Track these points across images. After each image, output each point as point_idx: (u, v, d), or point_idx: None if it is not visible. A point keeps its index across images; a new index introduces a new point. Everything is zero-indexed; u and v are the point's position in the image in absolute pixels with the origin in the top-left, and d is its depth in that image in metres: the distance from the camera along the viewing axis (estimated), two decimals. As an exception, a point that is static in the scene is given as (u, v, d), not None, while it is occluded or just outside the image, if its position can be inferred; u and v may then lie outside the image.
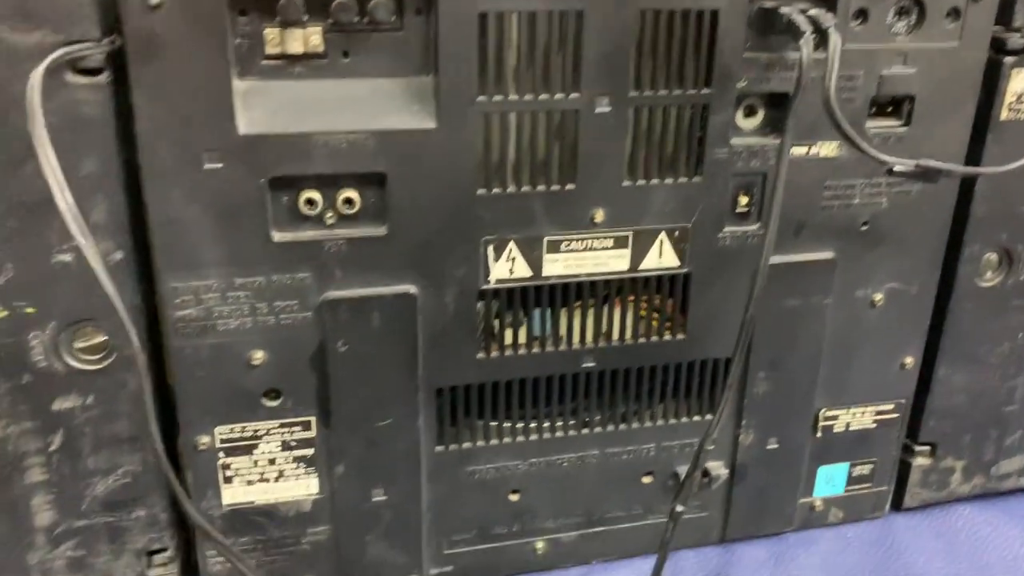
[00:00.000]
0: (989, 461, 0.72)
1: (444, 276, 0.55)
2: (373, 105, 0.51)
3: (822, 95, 0.51)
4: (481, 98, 0.52)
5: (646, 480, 0.65)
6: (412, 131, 0.51)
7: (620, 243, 0.58)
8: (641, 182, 0.56)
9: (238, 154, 0.50)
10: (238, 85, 0.50)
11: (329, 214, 0.53)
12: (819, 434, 0.67)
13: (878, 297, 0.64)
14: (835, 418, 0.67)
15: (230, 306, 0.53)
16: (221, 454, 0.56)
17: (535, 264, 0.57)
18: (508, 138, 0.53)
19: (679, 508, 0.59)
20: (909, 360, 0.67)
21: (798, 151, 0.58)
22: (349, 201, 0.52)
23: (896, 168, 0.54)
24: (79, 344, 0.51)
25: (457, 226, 0.54)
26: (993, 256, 0.65)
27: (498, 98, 0.52)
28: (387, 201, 0.53)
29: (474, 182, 0.53)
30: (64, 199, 0.41)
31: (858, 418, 0.68)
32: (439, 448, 0.60)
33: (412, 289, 0.55)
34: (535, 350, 0.59)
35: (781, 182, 0.53)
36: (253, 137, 0.49)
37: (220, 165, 0.50)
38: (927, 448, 0.71)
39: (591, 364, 0.61)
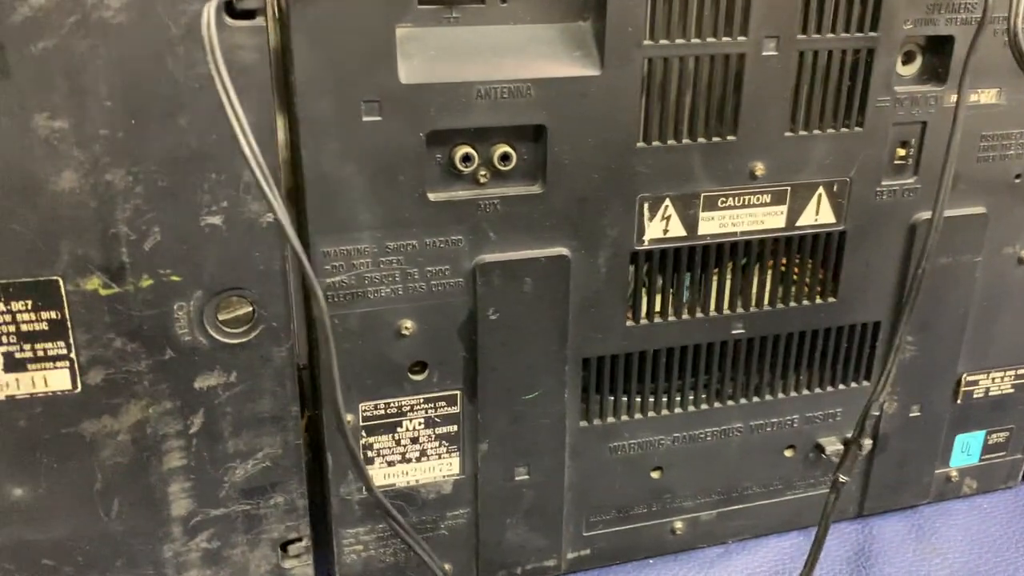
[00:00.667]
0: (1125, 425, 0.70)
1: (598, 237, 0.52)
2: (533, 52, 0.48)
3: (1010, 35, 0.48)
4: (647, 42, 0.48)
5: (788, 454, 0.62)
6: (575, 79, 0.48)
7: (778, 198, 0.55)
8: (803, 132, 0.53)
9: (398, 106, 0.46)
10: (396, 32, 0.46)
11: (483, 171, 0.49)
12: (959, 400, 0.65)
13: (1026, 254, 0.61)
14: (976, 383, 0.65)
15: (382, 272, 0.49)
16: (363, 433, 0.53)
17: (690, 223, 0.54)
18: (671, 85, 0.50)
19: (843, 479, 0.56)
20: (1052, 321, 0.64)
21: (955, 99, 0.55)
22: (505, 156, 0.49)
23: (1079, 110, 0.51)
24: (223, 316, 0.48)
25: (614, 182, 0.51)
26: None
27: (664, 42, 0.49)
28: (544, 156, 0.49)
29: (634, 135, 0.50)
30: (248, 144, 0.37)
31: (997, 383, 0.65)
32: (583, 423, 0.57)
33: (565, 251, 0.52)
34: (685, 316, 0.56)
35: (959, 128, 0.51)
36: (414, 87, 0.46)
37: (379, 118, 0.46)
38: (1063, 413, 0.68)
39: (740, 331, 0.57)
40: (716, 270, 0.56)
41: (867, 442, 0.62)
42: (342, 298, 0.49)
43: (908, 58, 0.55)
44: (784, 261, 0.57)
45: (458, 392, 0.53)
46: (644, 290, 0.55)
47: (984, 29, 0.49)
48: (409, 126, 0.47)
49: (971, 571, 0.62)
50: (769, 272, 0.57)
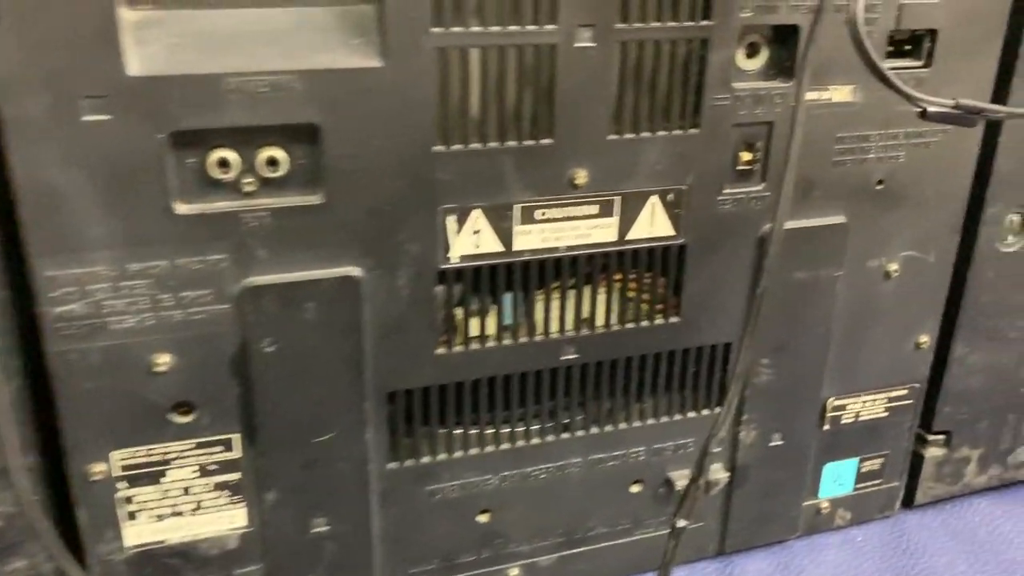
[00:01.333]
0: (1006, 449, 0.65)
1: (395, 254, 0.45)
2: (302, 39, 0.41)
3: (848, 23, 0.42)
4: (436, 29, 0.41)
5: (635, 489, 0.56)
6: (352, 71, 0.41)
7: (606, 209, 0.48)
8: (630, 135, 0.47)
9: (128, 102, 0.38)
10: (128, 15, 0.38)
11: (248, 179, 0.42)
12: (826, 427, 0.59)
13: (893, 267, 0.56)
14: (844, 408, 0.59)
15: (124, 299, 0.42)
16: (122, 484, 0.45)
17: (505, 236, 0.47)
18: (471, 80, 0.43)
19: (681, 523, 0.49)
20: (924, 339, 0.59)
21: (808, 96, 0.49)
22: (273, 161, 0.42)
23: (931, 110, 0.45)
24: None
25: (410, 191, 0.44)
26: (1016, 217, 0.58)
27: (458, 29, 0.42)
28: (322, 161, 0.42)
29: (430, 136, 0.43)
30: None
31: (868, 407, 0.60)
32: (392, 465, 0.50)
33: (356, 271, 0.44)
34: (506, 342, 0.49)
35: (799, 129, 0.45)
36: (147, 80, 0.38)
37: (105, 116, 0.38)
38: (941, 437, 0.63)
39: (573, 356, 0.51)
40: (541, 289, 0.49)
41: (722, 476, 0.56)
42: (77, 330, 0.41)
43: (752, 51, 0.49)
44: (619, 277, 0.51)
45: (235, 435, 0.46)
46: (458, 312, 0.48)
47: (823, 17, 0.43)
48: (143, 126, 0.39)
49: (836, 615, 0.57)
50: (603, 290, 0.51)
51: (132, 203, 0.40)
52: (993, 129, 0.54)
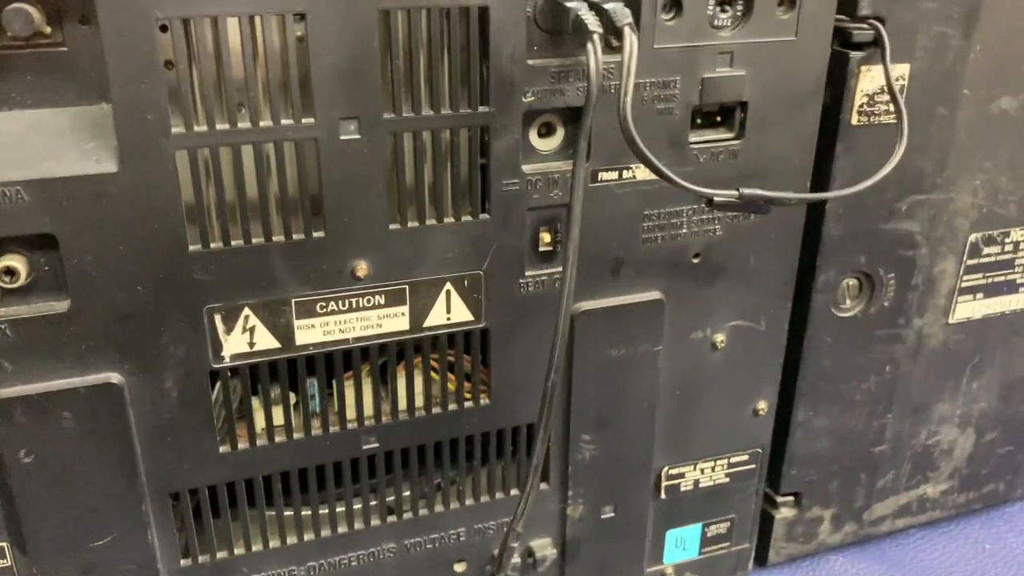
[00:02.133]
0: (860, 507, 0.64)
1: (158, 357, 0.43)
2: (30, 145, 0.39)
3: (618, 115, 0.40)
4: (177, 130, 0.39)
5: (459, 568, 0.55)
6: (84, 178, 0.39)
7: (394, 299, 0.46)
8: (413, 224, 0.45)
9: None
10: None
11: (-13, 289, 0.40)
12: (663, 495, 0.58)
13: (720, 338, 0.54)
14: (680, 476, 0.58)
15: None
16: None
17: (283, 333, 0.45)
18: (223, 179, 0.41)
19: (486, 617, 0.48)
20: (763, 405, 0.57)
21: (608, 176, 0.47)
22: (10, 272, 0.40)
23: (717, 199, 0.43)
24: None
25: (167, 294, 0.42)
26: (852, 281, 0.56)
27: (201, 128, 0.40)
28: (64, 269, 0.40)
29: (182, 238, 0.41)
30: None
31: (708, 473, 0.58)
32: (185, 562, 0.48)
33: (115, 377, 0.42)
34: (298, 435, 0.48)
35: (576, 219, 0.43)
36: None
37: None
38: (790, 498, 0.62)
39: (373, 445, 0.49)
40: (333, 379, 0.47)
41: (550, 552, 0.55)
42: None
43: (547, 130, 0.46)
44: (419, 363, 0.49)
45: (3, 544, 0.44)
46: (246, 407, 0.47)
47: (594, 103, 0.41)
48: None
49: None
50: (401, 379, 0.49)
51: None
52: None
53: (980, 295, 0.59)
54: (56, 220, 0.39)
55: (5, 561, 0.45)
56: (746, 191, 0.43)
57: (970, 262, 0.57)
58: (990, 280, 0.59)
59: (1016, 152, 0.55)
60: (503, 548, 0.47)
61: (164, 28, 0.38)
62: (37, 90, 0.39)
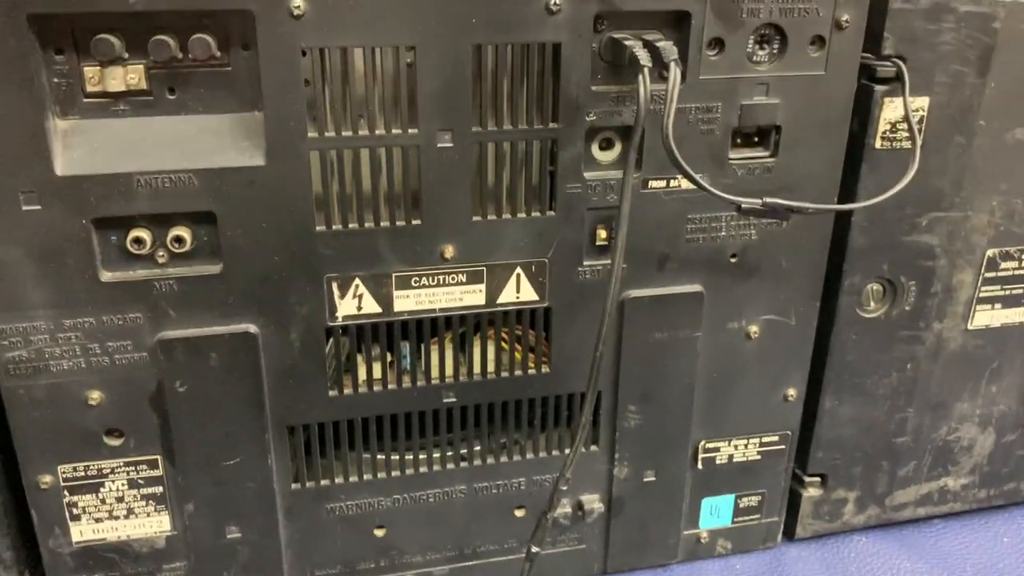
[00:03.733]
0: (883, 492, 0.70)
1: (286, 314, 0.54)
2: (199, 143, 0.50)
3: (661, 134, 0.49)
4: (311, 134, 0.50)
5: (519, 513, 0.64)
6: (239, 169, 0.50)
7: (474, 278, 0.56)
8: (492, 217, 0.55)
9: (57, 195, 0.48)
10: (60, 124, 0.48)
11: (161, 252, 0.51)
12: (700, 466, 0.66)
13: (753, 329, 0.62)
14: (716, 450, 0.66)
15: (61, 347, 0.52)
16: (66, 492, 0.56)
17: (384, 301, 0.55)
18: (344, 174, 0.52)
19: (534, 549, 0.57)
20: (792, 392, 0.65)
21: (656, 184, 0.56)
22: (179, 239, 0.51)
23: (744, 206, 0.52)
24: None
25: (296, 264, 0.53)
26: (876, 286, 0.63)
27: (330, 134, 0.50)
28: (220, 239, 0.51)
29: (311, 219, 0.52)
30: None
31: (741, 450, 0.66)
32: (295, 485, 0.59)
33: (252, 328, 0.54)
34: (391, 386, 0.58)
35: (624, 220, 0.52)
36: (72, 178, 0.48)
37: (39, 207, 0.48)
38: (817, 479, 0.69)
39: (452, 399, 0.59)
40: (421, 342, 0.58)
41: (597, 506, 0.64)
42: (24, 371, 0.52)
43: (607, 144, 0.56)
44: (491, 333, 0.59)
45: (158, 456, 0.56)
46: (352, 360, 0.57)
47: (642, 123, 0.50)
48: (70, 214, 0.49)
49: (696, 634, 0.64)
50: (477, 345, 0.59)
51: (64, 273, 0.50)
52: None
53: (998, 305, 0.65)
54: (216, 201, 0.50)
55: (158, 471, 0.56)
56: (768, 200, 0.52)
57: (988, 275, 0.64)
58: (1008, 292, 0.65)
59: (1032, 178, 0.62)
60: (554, 490, 0.56)
61: (304, 53, 0.49)
62: (206, 100, 0.50)
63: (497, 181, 0.54)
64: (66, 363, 0.52)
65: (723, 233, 0.59)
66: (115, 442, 0.55)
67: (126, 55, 0.48)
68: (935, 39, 0.56)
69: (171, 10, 0.47)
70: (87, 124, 0.49)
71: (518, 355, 0.60)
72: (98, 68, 0.48)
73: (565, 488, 0.56)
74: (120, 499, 0.57)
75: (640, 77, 0.49)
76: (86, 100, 0.49)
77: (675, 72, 0.49)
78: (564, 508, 0.64)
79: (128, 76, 0.48)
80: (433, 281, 0.56)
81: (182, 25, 0.48)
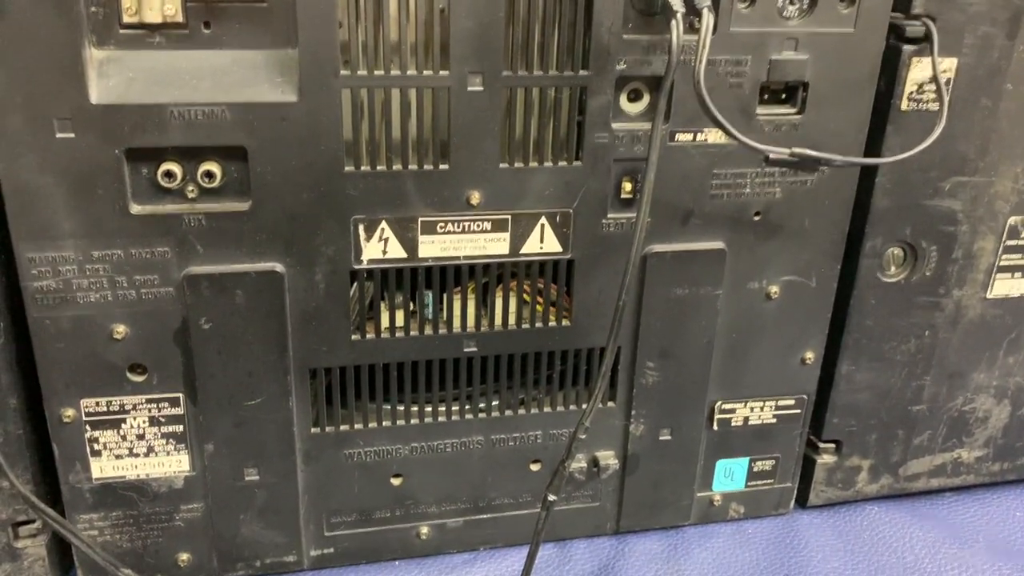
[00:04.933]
0: (897, 461, 0.71)
1: (313, 254, 0.54)
2: (233, 77, 0.50)
3: (693, 80, 0.50)
4: (344, 72, 0.50)
5: (534, 467, 0.64)
6: (272, 104, 0.50)
7: (499, 226, 0.56)
8: (519, 164, 0.55)
9: (91, 124, 0.49)
10: (95, 54, 0.49)
11: (191, 187, 0.52)
12: (715, 427, 0.66)
13: (774, 290, 0.62)
14: (732, 411, 0.66)
15: (89, 279, 0.52)
16: (87, 427, 0.56)
17: (409, 245, 0.56)
18: (375, 115, 0.52)
19: (551, 497, 0.58)
20: (810, 355, 0.65)
21: (684, 137, 0.57)
22: (209, 174, 0.51)
23: (772, 156, 0.52)
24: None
25: (325, 203, 0.53)
26: (897, 251, 0.63)
27: (362, 73, 0.51)
28: (250, 175, 0.52)
29: (340, 159, 0.52)
30: None
31: (756, 412, 0.67)
32: (315, 429, 0.59)
33: (278, 267, 0.54)
34: (413, 333, 0.58)
35: (652, 169, 0.52)
36: (106, 107, 0.49)
37: (72, 135, 0.49)
38: (832, 445, 0.69)
39: (473, 349, 0.59)
40: (444, 291, 0.58)
41: (613, 462, 0.64)
42: (51, 301, 0.52)
43: (635, 96, 0.56)
44: (514, 283, 0.59)
45: (180, 394, 0.56)
46: (374, 304, 0.58)
47: (673, 71, 0.50)
48: (103, 143, 0.49)
49: (707, 594, 0.64)
50: (499, 294, 0.59)
51: (95, 203, 0.50)
52: (870, 170, 0.60)
53: (1018, 274, 0.65)
54: (248, 135, 0.51)
55: (179, 409, 0.57)
56: (797, 149, 0.52)
57: (1009, 243, 0.64)
58: (1029, 262, 0.65)
59: (1057, 146, 0.62)
60: (572, 439, 0.56)
61: (340, -7, 0.49)
62: (242, 35, 0.50)
63: (525, 129, 0.55)
64: (93, 295, 0.52)
65: (748, 190, 0.59)
66: (138, 378, 0.55)
67: (163, -14, 0.49)
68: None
69: (210, -58, 0.47)
70: (123, 54, 0.49)
71: (539, 308, 0.60)
72: (135, -1, 0.49)
73: (583, 437, 0.57)
74: (141, 436, 0.57)
75: (673, 23, 0.49)
76: (122, 31, 0.49)
77: (708, 18, 0.50)
78: (579, 463, 0.64)
79: (165, 7, 0.49)
80: (458, 227, 0.56)
81: (220, -42, 0.48)
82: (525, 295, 0.59)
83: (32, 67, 0.47)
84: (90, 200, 0.50)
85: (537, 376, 0.62)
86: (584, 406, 0.62)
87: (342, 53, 0.50)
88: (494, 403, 0.62)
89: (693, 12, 0.50)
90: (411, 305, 0.58)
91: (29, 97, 0.48)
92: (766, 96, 0.57)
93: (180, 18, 0.49)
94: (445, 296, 0.58)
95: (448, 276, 0.57)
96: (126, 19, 0.49)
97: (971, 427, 0.71)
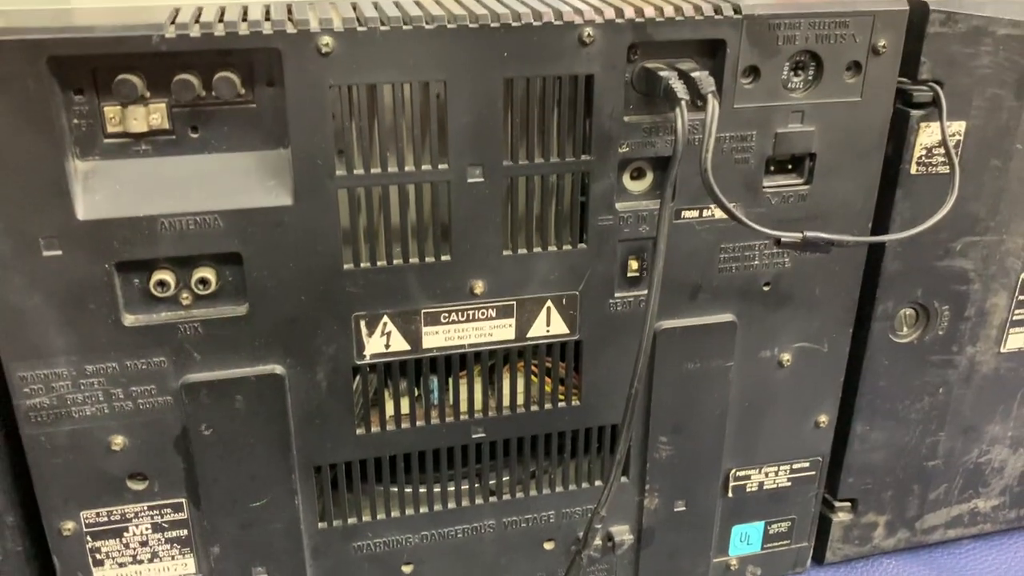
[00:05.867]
0: (913, 516, 0.70)
1: (314, 354, 0.53)
2: (224, 182, 0.49)
3: (699, 167, 0.48)
4: (340, 172, 0.49)
5: (548, 546, 0.63)
6: (266, 209, 0.49)
7: (504, 313, 0.55)
8: (522, 251, 0.53)
9: (78, 240, 0.47)
10: (80, 166, 0.47)
11: (185, 294, 0.50)
12: (730, 494, 0.65)
13: (786, 357, 0.61)
14: (747, 478, 0.65)
15: (83, 393, 0.50)
16: (89, 538, 0.54)
17: (413, 338, 0.54)
18: (373, 210, 0.50)
19: (569, 587, 0.56)
20: (823, 418, 0.64)
21: (690, 214, 0.55)
22: (204, 281, 0.50)
23: (784, 240, 0.51)
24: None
25: (324, 302, 0.52)
26: (909, 311, 0.62)
27: (359, 172, 0.49)
28: (245, 280, 0.50)
29: (339, 257, 0.51)
30: None
31: (771, 477, 0.65)
32: (322, 525, 0.58)
33: (278, 369, 0.52)
34: (420, 423, 0.57)
35: (661, 252, 0.51)
36: (94, 223, 0.47)
37: (60, 252, 0.47)
38: (847, 504, 0.68)
39: (481, 434, 0.58)
40: (450, 377, 0.56)
41: (628, 537, 0.63)
42: (45, 418, 0.50)
43: (638, 174, 0.54)
44: (520, 365, 0.57)
45: (183, 499, 0.55)
46: (378, 398, 0.56)
47: (679, 158, 0.49)
48: (92, 259, 0.47)
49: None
50: (506, 379, 0.57)
51: (86, 318, 0.49)
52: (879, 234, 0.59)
53: (1032, 328, 0.64)
54: (242, 241, 0.49)
55: (183, 514, 0.55)
56: (809, 234, 0.50)
57: (1022, 297, 0.63)
58: (1042, 315, 0.64)
59: (1068, 200, 0.61)
60: (588, 528, 0.55)
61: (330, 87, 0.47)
62: (231, 138, 0.48)
63: (528, 214, 0.53)
64: (88, 409, 0.51)
65: (756, 262, 0.57)
66: (139, 486, 0.54)
67: (147, 94, 0.47)
68: (973, 63, 0.55)
69: (195, 50, 0.45)
70: (108, 165, 0.47)
71: (548, 388, 0.58)
72: (118, 108, 0.47)
73: (599, 526, 0.55)
74: (144, 543, 0.55)
75: (677, 111, 0.48)
76: (107, 140, 0.47)
77: (713, 105, 0.48)
78: (596, 541, 0.63)
79: (150, 116, 0.47)
80: (462, 317, 0.54)
81: (205, 63, 0.46)
82: (533, 375, 0.58)
83: (14, 185, 0.45)
84: (81, 315, 0.49)
85: (548, 457, 0.60)
86: (597, 482, 0.62)
87: (336, 145, 0.48)
88: (504, 485, 0.60)
89: (697, 97, 0.49)
90: (416, 391, 0.57)
91: (12, 216, 0.46)
92: (772, 167, 0.56)
93: (166, 124, 0.47)
94: (451, 381, 0.57)
95: (453, 363, 0.56)
96: (110, 129, 0.47)
97: (987, 477, 0.70)
